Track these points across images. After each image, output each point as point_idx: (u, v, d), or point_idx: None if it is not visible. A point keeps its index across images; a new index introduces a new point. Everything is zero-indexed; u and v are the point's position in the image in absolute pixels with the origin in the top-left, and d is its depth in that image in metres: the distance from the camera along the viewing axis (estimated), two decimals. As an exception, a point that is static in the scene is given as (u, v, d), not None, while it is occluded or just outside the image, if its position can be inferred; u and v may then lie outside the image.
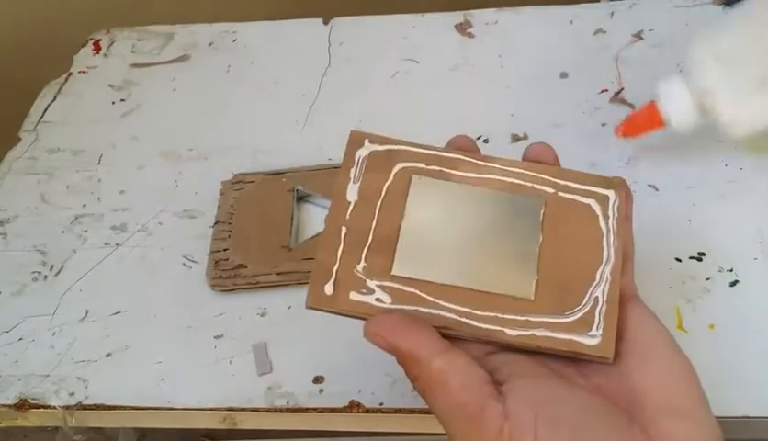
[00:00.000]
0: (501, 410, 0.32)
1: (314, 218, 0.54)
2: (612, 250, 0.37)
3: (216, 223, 0.54)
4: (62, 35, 0.73)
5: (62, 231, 0.57)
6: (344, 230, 0.37)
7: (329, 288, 0.36)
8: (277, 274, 0.51)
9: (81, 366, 0.49)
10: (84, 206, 0.58)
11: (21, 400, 0.48)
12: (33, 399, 0.48)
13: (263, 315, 0.50)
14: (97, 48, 0.71)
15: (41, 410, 0.48)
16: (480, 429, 0.32)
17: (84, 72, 0.69)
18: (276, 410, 0.46)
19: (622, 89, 0.58)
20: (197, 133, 0.62)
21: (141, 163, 0.61)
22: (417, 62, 0.64)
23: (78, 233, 0.57)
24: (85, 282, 0.54)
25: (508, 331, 0.35)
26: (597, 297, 0.35)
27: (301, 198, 0.56)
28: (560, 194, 0.38)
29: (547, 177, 0.38)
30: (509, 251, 0.36)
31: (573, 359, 0.35)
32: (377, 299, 0.35)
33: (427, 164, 0.38)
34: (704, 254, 0.49)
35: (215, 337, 0.49)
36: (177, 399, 0.47)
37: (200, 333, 0.50)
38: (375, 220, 0.37)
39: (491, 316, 0.35)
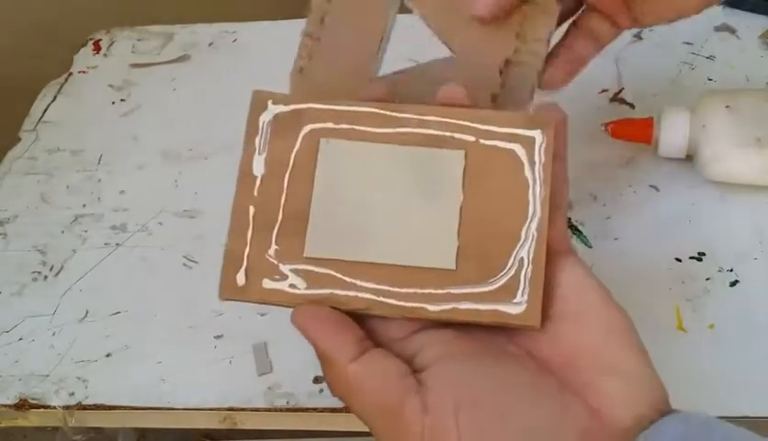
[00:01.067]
0: (419, 404, 0.30)
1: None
2: (538, 202, 0.33)
3: (306, 35, 0.46)
4: (62, 35, 0.73)
5: (62, 231, 0.57)
6: (252, 209, 0.34)
7: (241, 278, 0.34)
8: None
9: (81, 366, 0.49)
10: (84, 206, 0.58)
11: (21, 400, 0.48)
12: (33, 399, 0.48)
13: (263, 315, 0.50)
14: (97, 48, 0.71)
15: (41, 410, 0.48)
16: (403, 427, 0.31)
17: (84, 72, 0.69)
18: (276, 410, 0.46)
19: (622, 89, 0.58)
20: (197, 133, 0.62)
21: (141, 163, 0.61)
22: (417, 62, 0.64)
23: (78, 233, 0.56)
24: (85, 282, 0.53)
25: (429, 307, 0.33)
26: (522, 258, 0.33)
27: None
28: (482, 141, 0.34)
29: (467, 123, 0.34)
30: (429, 216, 0.34)
31: (502, 328, 0.33)
32: (290, 285, 0.33)
33: (336, 123, 0.35)
34: (704, 254, 0.49)
35: (215, 337, 0.49)
36: (177, 399, 0.47)
37: (200, 333, 0.50)
38: (284, 196, 0.34)
39: (411, 293, 0.33)
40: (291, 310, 0.34)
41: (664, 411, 0.31)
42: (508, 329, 0.33)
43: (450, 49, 0.41)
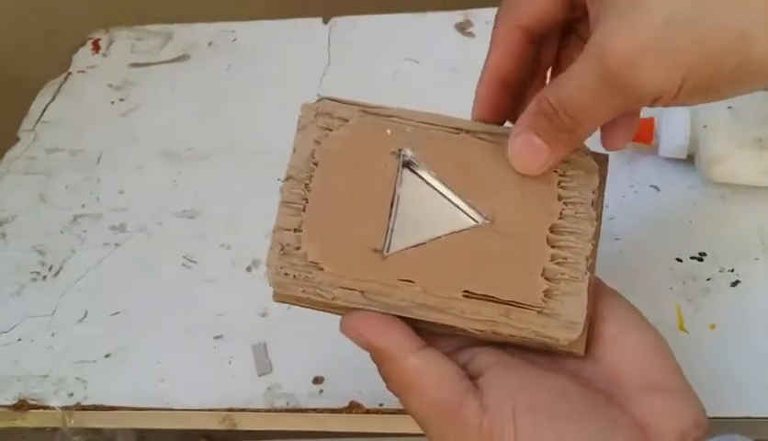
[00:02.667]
0: (478, 405, 0.31)
1: (424, 205, 0.36)
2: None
3: (288, 179, 0.37)
4: (61, 34, 0.73)
5: (61, 232, 0.57)
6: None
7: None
8: (361, 293, 0.35)
9: (80, 366, 0.49)
10: (84, 206, 0.58)
11: (20, 400, 0.48)
12: (32, 399, 0.48)
13: (263, 315, 0.50)
14: (96, 47, 0.71)
15: (40, 410, 0.48)
16: (460, 426, 0.31)
17: (83, 71, 0.69)
18: (275, 410, 0.46)
19: (623, 89, 0.58)
20: (197, 133, 0.62)
21: (140, 163, 0.60)
22: (417, 62, 0.64)
23: (77, 233, 0.56)
24: (85, 282, 0.53)
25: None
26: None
27: (409, 167, 0.37)
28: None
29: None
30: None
31: (545, 351, 0.35)
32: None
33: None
34: (705, 254, 0.49)
35: (214, 338, 0.49)
36: (177, 399, 0.47)
37: (200, 333, 0.50)
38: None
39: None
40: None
41: (705, 426, 0.33)
42: (550, 352, 0.35)
43: (480, 214, 0.36)
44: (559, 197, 0.36)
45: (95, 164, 0.61)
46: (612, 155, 0.54)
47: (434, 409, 0.32)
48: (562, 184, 0.36)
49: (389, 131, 0.37)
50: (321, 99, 0.38)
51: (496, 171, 0.36)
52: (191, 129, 0.62)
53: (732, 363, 0.44)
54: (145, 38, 0.71)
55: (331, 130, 0.37)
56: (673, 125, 0.51)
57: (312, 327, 0.48)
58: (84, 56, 0.70)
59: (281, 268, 0.35)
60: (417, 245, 0.35)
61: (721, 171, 0.49)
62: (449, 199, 0.36)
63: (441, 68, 0.63)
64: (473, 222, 0.35)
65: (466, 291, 0.34)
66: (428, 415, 0.33)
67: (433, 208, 0.36)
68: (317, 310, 0.36)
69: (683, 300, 0.47)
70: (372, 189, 0.36)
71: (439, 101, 0.61)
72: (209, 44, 0.69)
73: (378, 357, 0.34)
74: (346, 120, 0.37)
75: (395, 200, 0.36)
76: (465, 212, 0.36)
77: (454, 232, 0.35)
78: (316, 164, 0.36)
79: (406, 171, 0.37)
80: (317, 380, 0.46)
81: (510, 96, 0.38)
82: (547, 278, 0.34)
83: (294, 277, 0.35)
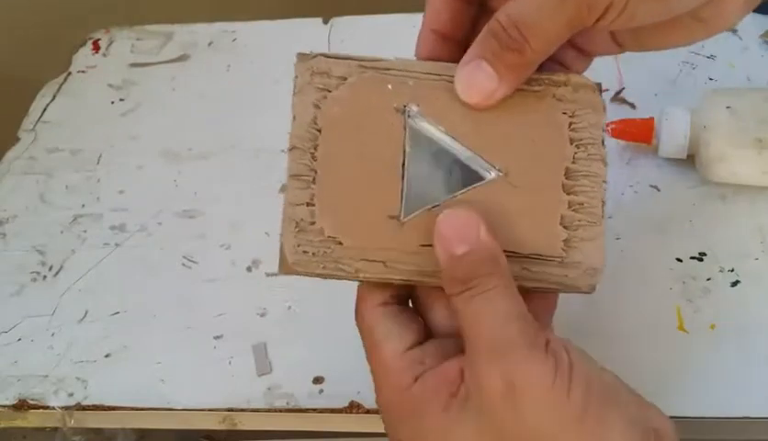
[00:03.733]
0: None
1: (436, 162, 0.35)
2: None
3: (292, 149, 0.34)
4: (61, 34, 0.73)
5: (61, 232, 0.57)
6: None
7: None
8: (384, 263, 0.34)
9: (80, 366, 0.49)
10: (84, 206, 0.58)
11: (20, 400, 0.48)
12: (32, 399, 0.48)
13: (262, 315, 0.50)
14: (96, 47, 0.71)
15: (40, 410, 0.48)
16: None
17: (83, 71, 0.69)
18: (275, 410, 0.46)
19: (623, 89, 0.58)
20: (197, 133, 0.62)
21: (140, 163, 0.60)
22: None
23: (77, 233, 0.56)
24: (85, 282, 0.53)
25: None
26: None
27: (416, 123, 0.35)
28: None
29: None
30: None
31: None
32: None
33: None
34: (705, 255, 0.49)
35: (214, 338, 0.49)
36: (177, 399, 0.47)
37: (200, 333, 0.50)
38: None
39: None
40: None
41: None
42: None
43: (492, 168, 0.35)
44: (571, 140, 0.35)
45: (95, 164, 0.61)
46: (612, 155, 0.54)
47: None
48: (573, 126, 0.35)
49: (390, 87, 0.35)
50: (315, 56, 0.35)
51: (504, 118, 0.35)
52: (191, 129, 0.62)
53: (732, 363, 0.44)
54: (145, 38, 0.71)
55: (329, 91, 0.35)
56: (673, 125, 0.51)
57: (312, 327, 0.48)
58: (84, 56, 0.70)
59: (298, 246, 0.33)
60: (433, 207, 0.34)
61: (721, 171, 0.49)
62: (461, 154, 0.35)
63: (441, 68, 0.63)
64: (487, 177, 0.34)
65: None
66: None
67: (444, 165, 0.35)
68: (332, 279, 0.34)
69: (682, 301, 0.47)
70: (381, 152, 0.34)
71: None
72: (209, 44, 0.69)
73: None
74: (345, 79, 0.35)
75: (405, 161, 0.34)
76: (478, 167, 0.35)
77: (469, 189, 0.34)
78: (319, 131, 0.34)
79: (413, 128, 0.35)
80: (317, 380, 0.46)
81: (452, 53, 0.36)
82: (565, 227, 0.34)
83: (313, 254, 0.33)
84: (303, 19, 0.69)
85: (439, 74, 0.35)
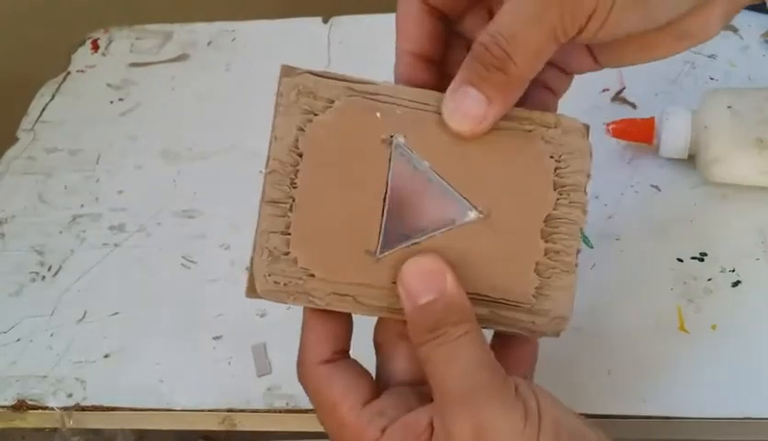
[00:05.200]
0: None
1: (418, 199, 0.34)
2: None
3: (271, 173, 0.33)
4: (60, 34, 0.73)
5: (60, 232, 0.57)
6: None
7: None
8: (353, 298, 0.33)
9: (79, 366, 0.49)
10: (83, 206, 0.58)
11: (19, 401, 0.48)
12: (31, 400, 0.48)
13: (262, 316, 0.50)
14: (96, 47, 0.70)
15: (39, 411, 0.47)
16: None
17: (82, 71, 0.69)
18: (275, 411, 0.46)
19: (623, 89, 0.58)
20: (196, 133, 0.62)
21: (139, 163, 0.60)
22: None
23: (76, 234, 0.56)
24: (84, 283, 0.53)
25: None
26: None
27: (401, 156, 0.34)
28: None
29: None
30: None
31: None
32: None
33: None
34: (705, 255, 0.49)
35: (214, 338, 0.49)
36: (176, 400, 0.47)
37: (199, 333, 0.49)
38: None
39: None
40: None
41: None
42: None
43: (474, 209, 0.34)
44: (555, 186, 0.34)
45: (94, 164, 0.61)
46: (612, 155, 0.54)
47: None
48: (558, 171, 0.34)
49: (378, 115, 0.34)
50: (301, 72, 0.34)
51: (493, 159, 0.34)
52: (190, 129, 0.62)
53: (733, 363, 0.44)
54: (144, 37, 0.70)
55: (315, 114, 0.33)
56: (674, 125, 0.50)
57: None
58: (83, 56, 0.70)
59: (269, 275, 0.33)
60: (411, 244, 0.33)
61: (722, 171, 0.49)
62: (444, 193, 0.34)
63: (441, 68, 0.63)
64: (468, 217, 0.34)
65: None
66: None
67: (427, 202, 0.34)
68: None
69: (683, 301, 0.47)
70: (363, 183, 0.33)
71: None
72: (209, 44, 0.69)
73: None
74: (332, 102, 0.33)
75: (387, 195, 0.33)
76: (460, 207, 0.34)
77: (448, 229, 0.34)
78: (300, 156, 0.33)
79: (398, 161, 0.34)
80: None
81: (431, 74, 0.36)
82: (538, 274, 0.34)
83: (284, 284, 0.33)
84: (303, 19, 0.69)
85: (428, 104, 0.34)
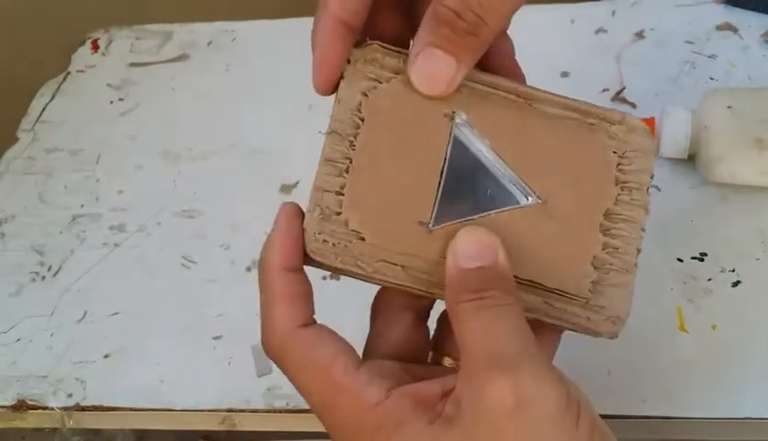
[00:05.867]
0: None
1: (475, 176, 0.34)
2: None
3: (331, 133, 0.33)
4: (60, 34, 0.73)
5: (61, 232, 0.57)
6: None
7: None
8: (403, 268, 0.33)
9: (79, 366, 0.49)
10: (83, 206, 0.58)
11: (19, 401, 0.48)
12: (31, 400, 0.48)
13: (262, 316, 0.50)
14: (96, 47, 0.71)
15: (39, 411, 0.48)
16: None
17: (82, 71, 0.69)
18: (275, 411, 0.46)
19: (623, 89, 0.58)
20: (196, 133, 0.62)
21: (139, 163, 0.60)
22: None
23: (76, 233, 0.56)
24: (84, 282, 0.53)
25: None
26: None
27: (462, 133, 0.34)
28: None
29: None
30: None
31: None
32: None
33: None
34: (705, 255, 0.49)
35: (214, 338, 0.49)
36: (176, 400, 0.47)
37: (199, 333, 0.49)
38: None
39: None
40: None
41: None
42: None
43: (532, 193, 0.33)
44: (617, 181, 0.33)
45: (94, 164, 0.61)
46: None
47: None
48: (621, 166, 0.34)
49: None
50: (369, 44, 0.34)
51: (554, 146, 0.33)
52: (191, 128, 0.62)
53: (733, 363, 0.44)
54: (144, 37, 0.70)
55: (380, 82, 0.33)
56: (674, 125, 0.50)
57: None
58: (83, 55, 0.70)
59: (319, 233, 0.32)
60: (465, 220, 0.33)
61: (722, 171, 0.49)
62: (502, 173, 0.33)
63: (441, 68, 0.63)
64: (525, 201, 0.33)
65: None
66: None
67: (484, 180, 0.33)
68: (346, 275, 0.33)
69: (683, 301, 0.47)
70: (421, 154, 0.33)
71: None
72: (209, 44, 0.69)
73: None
74: (398, 73, 0.33)
75: (445, 169, 0.33)
76: (517, 189, 0.33)
77: (504, 210, 0.33)
78: (362, 120, 0.33)
79: (458, 136, 0.33)
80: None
81: (348, 43, 0.35)
82: (595, 268, 0.33)
83: (333, 245, 0.32)
84: (303, 19, 0.69)
85: (495, 86, 0.34)
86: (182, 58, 0.68)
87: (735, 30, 0.60)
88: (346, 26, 0.33)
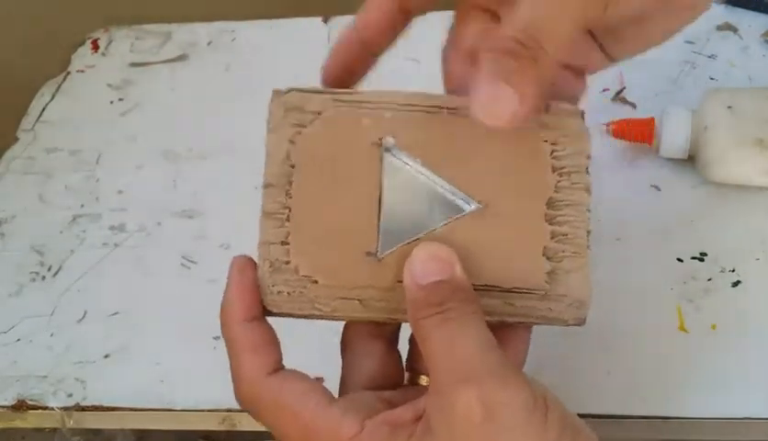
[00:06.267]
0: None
1: (413, 196, 0.34)
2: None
3: (267, 186, 0.34)
4: (60, 34, 0.73)
5: (61, 232, 0.57)
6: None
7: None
8: (360, 302, 0.33)
9: (79, 366, 0.49)
10: (83, 206, 0.58)
11: (19, 401, 0.48)
12: (31, 400, 0.48)
13: (262, 316, 0.50)
14: (96, 47, 0.71)
15: (39, 411, 0.47)
16: None
17: (82, 71, 0.69)
18: (275, 411, 0.46)
19: (623, 89, 0.58)
20: (196, 133, 0.62)
21: (139, 163, 0.60)
22: (417, 62, 0.64)
23: (76, 234, 0.56)
24: (84, 282, 0.53)
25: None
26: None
27: (392, 157, 0.34)
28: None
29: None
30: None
31: None
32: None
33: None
34: (705, 255, 0.49)
35: (214, 338, 0.49)
36: (176, 400, 0.47)
37: (199, 333, 0.49)
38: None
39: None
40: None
41: None
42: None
43: (472, 200, 0.34)
44: (553, 169, 0.34)
45: (94, 164, 0.61)
46: (612, 156, 0.54)
47: None
48: (555, 153, 0.34)
49: (366, 120, 0.34)
50: (288, 90, 0.34)
51: (483, 148, 0.34)
52: (191, 128, 0.62)
53: (733, 363, 0.44)
54: (144, 37, 0.70)
55: (304, 126, 0.34)
56: (674, 125, 0.50)
57: (312, 327, 0.47)
58: (83, 55, 0.70)
59: (273, 286, 0.33)
60: (411, 241, 0.33)
61: (722, 171, 0.49)
62: (439, 187, 0.34)
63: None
64: (467, 209, 0.33)
65: None
66: None
67: (422, 198, 0.34)
68: (308, 319, 0.34)
69: (683, 301, 0.47)
70: (357, 187, 0.33)
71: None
72: (209, 43, 0.69)
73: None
74: (319, 113, 0.34)
75: (382, 196, 0.33)
76: (457, 199, 0.34)
77: (447, 223, 0.33)
78: (293, 167, 0.33)
79: (389, 161, 0.34)
80: (317, 380, 0.46)
81: (364, 62, 0.37)
82: (548, 258, 0.33)
83: (288, 294, 0.33)
84: (303, 19, 0.69)
85: (416, 105, 0.34)
86: (182, 58, 0.68)
87: (735, 30, 0.60)
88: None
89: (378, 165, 0.34)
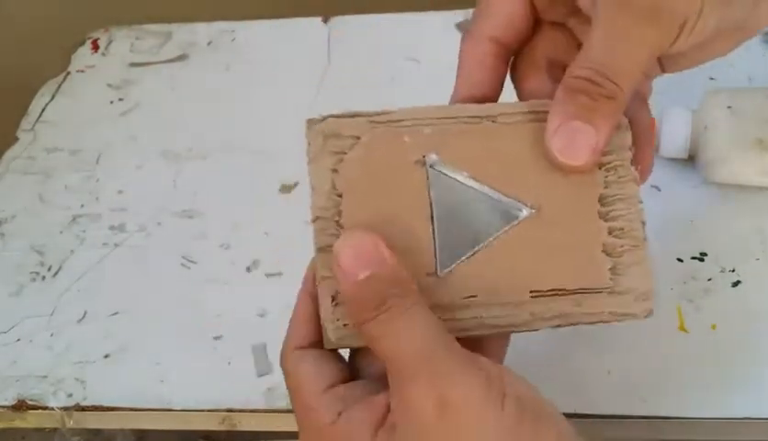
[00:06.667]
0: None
1: (465, 209, 0.34)
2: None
3: (316, 220, 0.33)
4: (60, 34, 0.73)
5: (61, 232, 0.57)
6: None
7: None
8: None
9: (79, 366, 0.49)
10: (83, 206, 0.58)
11: (19, 401, 0.48)
12: (31, 400, 0.48)
13: (262, 316, 0.50)
14: (96, 47, 0.71)
15: (39, 411, 0.47)
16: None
17: (82, 71, 0.69)
18: (275, 411, 0.46)
19: (623, 88, 0.58)
20: (196, 133, 0.62)
21: (139, 163, 0.60)
22: (417, 62, 0.64)
23: (76, 233, 0.56)
24: (84, 282, 0.53)
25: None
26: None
27: (438, 173, 0.34)
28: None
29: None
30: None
31: None
32: None
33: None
34: (705, 255, 0.49)
35: (214, 338, 0.49)
36: (176, 400, 0.47)
37: (199, 333, 0.49)
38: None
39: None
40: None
41: None
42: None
43: (524, 205, 0.33)
44: (600, 165, 0.34)
45: (94, 164, 0.61)
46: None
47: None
48: None
49: (406, 139, 0.34)
50: (324, 118, 0.34)
51: (527, 153, 0.34)
52: (191, 128, 0.62)
53: (733, 363, 0.44)
54: (144, 37, 0.70)
55: (345, 153, 0.33)
56: (674, 125, 0.50)
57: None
58: (83, 55, 0.70)
59: (337, 320, 0.32)
60: (470, 256, 0.33)
61: (722, 171, 0.49)
62: (489, 197, 0.33)
63: (441, 68, 0.63)
64: (520, 215, 0.33)
65: (533, 291, 0.33)
66: None
67: (474, 211, 0.33)
68: None
69: (683, 301, 0.47)
70: (407, 207, 0.33)
71: (440, 101, 0.61)
72: (209, 44, 0.69)
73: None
74: (358, 138, 0.33)
75: (434, 213, 0.33)
76: (509, 207, 0.33)
77: (503, 232, 0.33)
78: (340, 196, 0.33)
79: (436, 177, 0.33)
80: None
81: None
82: (608, 254, 0.33)
83: (354, 326, 0.32)
84: (303, 19, 0.69)
85: (454, 117, 0.34)
86: (182, 58, 0.68)
87: (735, 30, 0.60)
88: (499, 44, 0.36)
89: (424, 183, 0.33)
